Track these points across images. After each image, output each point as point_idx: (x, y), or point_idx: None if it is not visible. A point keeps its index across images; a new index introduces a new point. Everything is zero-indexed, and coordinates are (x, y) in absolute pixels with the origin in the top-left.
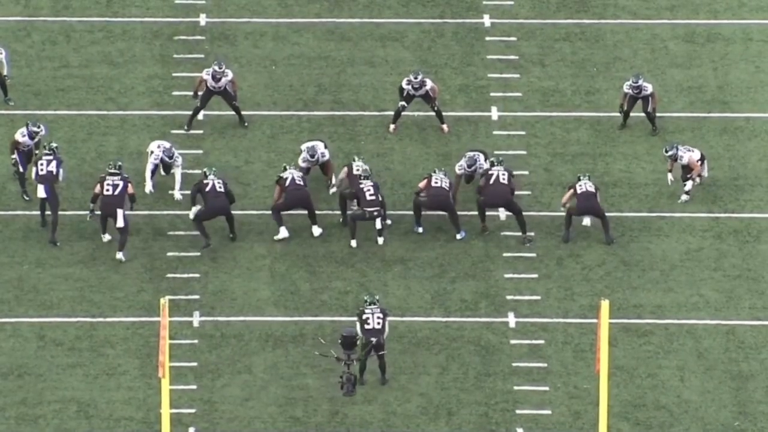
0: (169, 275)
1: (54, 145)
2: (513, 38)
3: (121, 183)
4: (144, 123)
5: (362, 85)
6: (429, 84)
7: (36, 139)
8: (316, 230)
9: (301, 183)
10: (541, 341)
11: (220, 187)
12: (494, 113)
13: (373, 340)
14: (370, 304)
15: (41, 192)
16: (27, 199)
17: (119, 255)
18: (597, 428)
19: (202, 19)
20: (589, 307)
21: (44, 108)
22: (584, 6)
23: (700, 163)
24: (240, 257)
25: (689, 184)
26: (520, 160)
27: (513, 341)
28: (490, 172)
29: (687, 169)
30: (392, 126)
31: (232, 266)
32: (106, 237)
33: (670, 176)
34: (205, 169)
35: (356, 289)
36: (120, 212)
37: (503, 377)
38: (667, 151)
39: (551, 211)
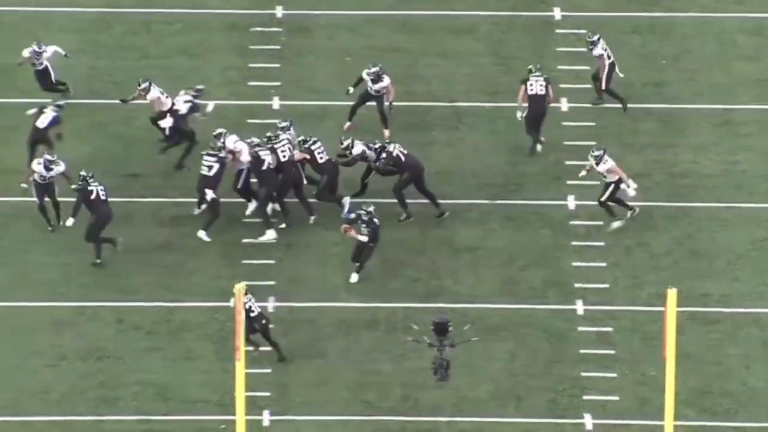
0: (245, 261)
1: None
2: (583, 30)
3: (217, 165)
4: (221, 112)
5: (434, 77)
6: (387, 81)
7: (51, 172)
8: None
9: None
10: (609, 329)
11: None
12: (564, 104)
13: (264, 322)
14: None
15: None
16: (50, 229)
17: (200, 233)
18: (663, 414)
19: (279, 11)
20: (657, 295)
21: (125, 96)
22: None
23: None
24: (313, 244)
25: (631, 189)
26: (590, 150)
27: (581, 328)
28: (390, 152)
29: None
30: (348, 123)
31: (305, 253)
32: (196, 210)
33: (583, 173)
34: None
35: (426, 277)
36: (209, 192)
37: (571, 364)
38: (594, 152)
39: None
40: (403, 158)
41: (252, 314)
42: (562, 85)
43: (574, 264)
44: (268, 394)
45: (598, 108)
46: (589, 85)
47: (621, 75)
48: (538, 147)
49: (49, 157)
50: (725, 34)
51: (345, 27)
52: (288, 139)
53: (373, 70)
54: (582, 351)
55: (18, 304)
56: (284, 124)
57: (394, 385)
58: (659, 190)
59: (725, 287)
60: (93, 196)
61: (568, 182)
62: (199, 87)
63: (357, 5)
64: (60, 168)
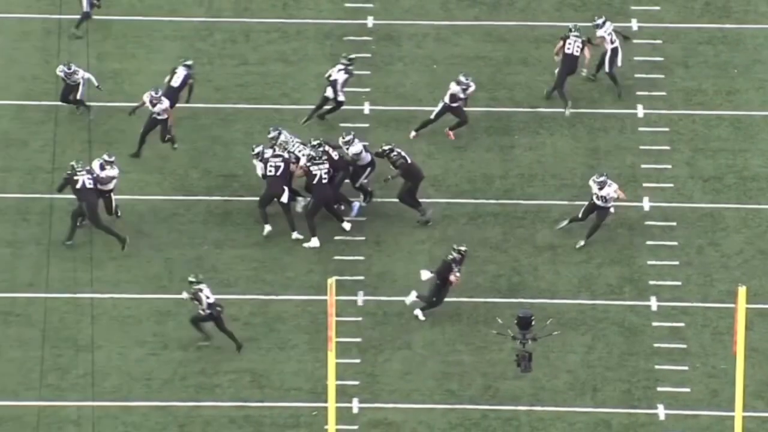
0: (336, 257)
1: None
2: (659, 41)
3: (282, 164)
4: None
5: (517, 84)
6: (473, 87)
7: (105, 173)
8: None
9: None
10: (682, 324)
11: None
12: (640, 111)
13: (219, 308)
14: (198, 283)
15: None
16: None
17: (294, 235)
18: (733, 406)
19: (370, 21)
20: (727, 292)
21: (224, 102)
22: (726, 12)
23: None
24: (401, 242)
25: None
26: (664, 155)
27: (655, 323)
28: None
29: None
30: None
31: (393, 250)
32: (267, 228)
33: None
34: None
35: (509, 273)
36: (285, 190)
37: (645, 357)
38: (597, 178)
39: (693, 203)
40: (408, 161)
41: (202, 304)
42: (638, 93)
43: (649, 262)
44: (357, 382)
45: (671, 114)
46: (663, 93)
47: (620, 65)
48: (567, 111)
49: (107, 157)
50: None
51: (432, 36)
52: (283, 146)
53: (468, 80)
54: (656, 345)
55: (124, 296)
56: (273, 134)
57: (475, 375)
58: (730, 192)
59: None
60: (79, 185)
61: (644, 185)
62: (351, 56)
63: (444, 16)
64: (113, 172)
